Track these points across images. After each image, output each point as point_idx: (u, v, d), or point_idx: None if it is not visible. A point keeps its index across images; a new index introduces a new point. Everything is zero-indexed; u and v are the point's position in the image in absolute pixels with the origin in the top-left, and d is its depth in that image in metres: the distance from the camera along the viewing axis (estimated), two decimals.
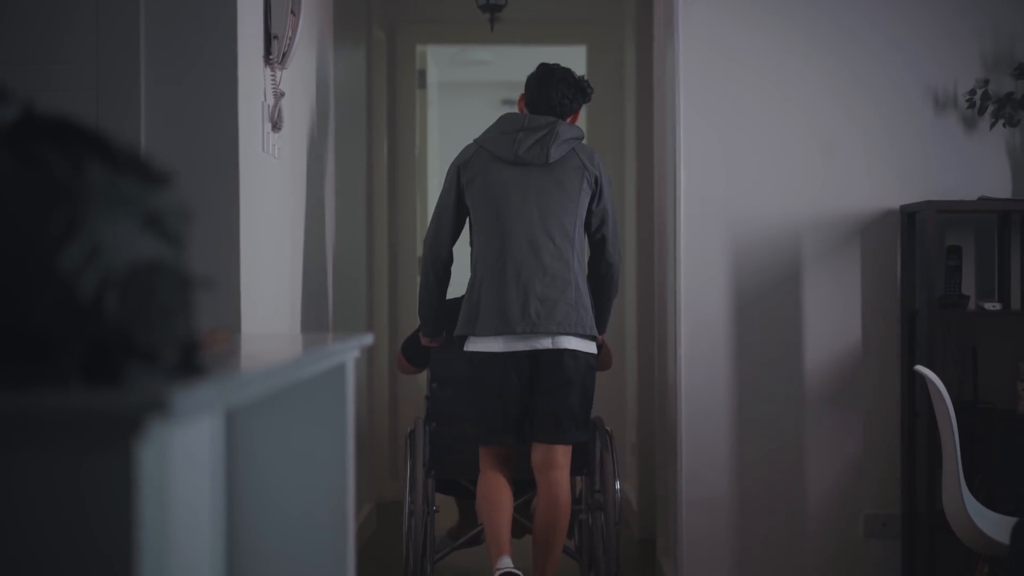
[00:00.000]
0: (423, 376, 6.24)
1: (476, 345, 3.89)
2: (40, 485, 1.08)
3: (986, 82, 4.13)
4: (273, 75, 3.46)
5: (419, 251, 6.48)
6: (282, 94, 3.51)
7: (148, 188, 1.20)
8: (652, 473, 5.27)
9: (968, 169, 4.17)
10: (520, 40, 6.79)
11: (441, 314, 4.14)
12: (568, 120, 4.03)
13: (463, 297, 4.08)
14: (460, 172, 3.96)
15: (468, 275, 4.02)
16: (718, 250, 4.21)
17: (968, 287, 4.15)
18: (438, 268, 4.05)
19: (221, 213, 3.03)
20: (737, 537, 4.22)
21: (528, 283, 3.83)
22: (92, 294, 1.12)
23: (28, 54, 3.02)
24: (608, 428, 4.18)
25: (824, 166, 4.21)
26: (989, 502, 3.94)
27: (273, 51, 3.42)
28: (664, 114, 4.54)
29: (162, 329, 1.19)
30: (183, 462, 1.21)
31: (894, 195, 4.19)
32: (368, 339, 2.23)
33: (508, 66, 8.83)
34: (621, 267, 4.08)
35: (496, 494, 3.90)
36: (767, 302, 4.21)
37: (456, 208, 3.98)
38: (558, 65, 4.08)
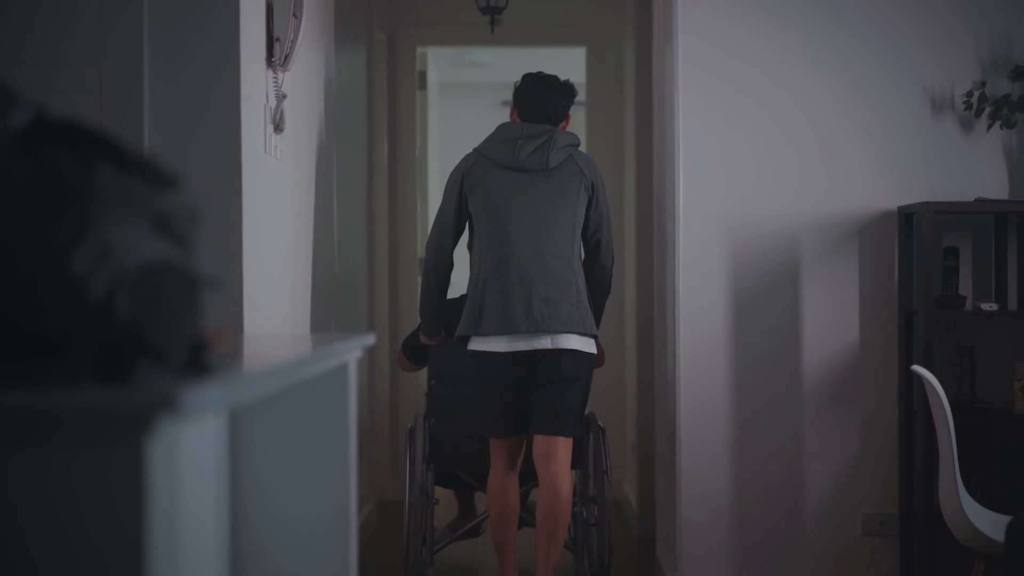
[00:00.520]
0: (423, 375, 6.31)
1: (480, 344, 4.00)
2: (53, 481, 1.11)
3: (983, 84, 4.15)
4: (275, 77, 3.49)
5: (419, 251, 6.52)
6: (284, 96, 3.53)
7: (157, 191, 1.23)
8: (651, 472, 5.30)
9: (965, 170, 4.20)
10: (520, 42, 6.83)
11: (441, 315, 4.26)
12: (562, 124, 4.16)
13: (461, 298, 4.22)
14: (463, 180, 4.08)
15: (466, 276, 4.12)
16: (717, 250, 4.24)
17: (965, 287, 4.18)
18: (440, 272, 4.17)
19: (224, 214, 3.05)
20: (736, 536, 4.24)
21: (532, 284, 3.94)
22: (103, 295, 1.14)
23: (33, 56, 3.05)
24: (601, 424, 4.30)
25: (822, 167, 4.23)
26: (986, 501, 3.96)
27: (275, 53, 3.45)
28: (663, 115, 4.57)
29: (171, 329, 1.21)
30: (190, 460, 1.24)
31: (892, 196, 4.22)
32: (370, 339, 2.25)
33: (508, 67, 8.85)
34: (613, 270, 4.21)
35: (503, 504, 4.05)
36: (765, 302, 4.24)
37: (457, 215, 4.10)
38: (543, 73, 4.24)
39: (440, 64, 8.65)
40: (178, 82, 3.04)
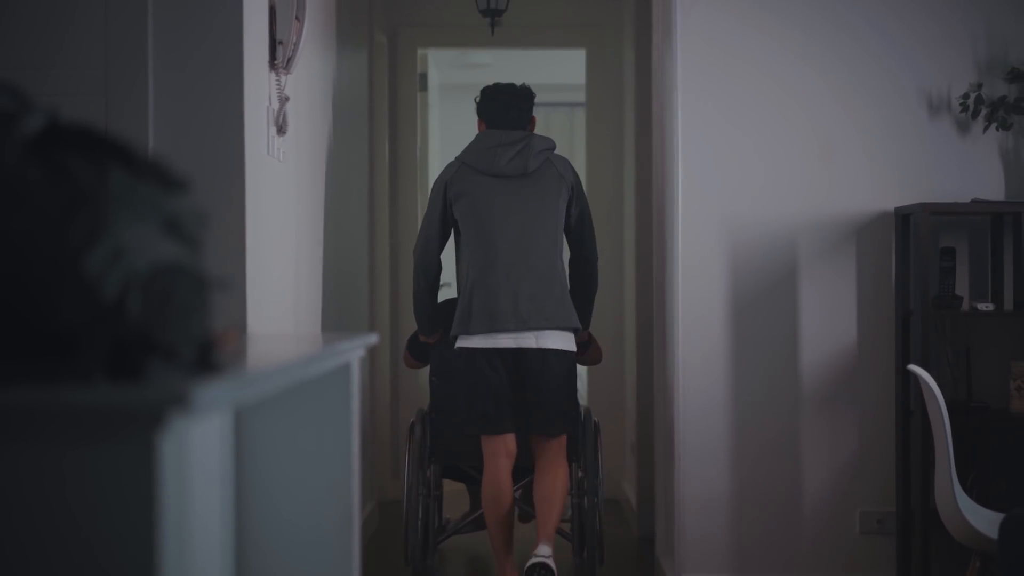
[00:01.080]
0: (423, 374, 6.42)
1: (468, 342, 4.22)
2: (66, 476, 1.13)
3: (979, 86, 4.18)
4: (278, 80, 3.52)
5: (414, 259, 6.52)
6: (287, 98, 3.56)
7: (167, 193, 1.26)
8: (651, 472, 5.32)
9: (962, 172, 4.23)
10: (520, 44, 6.85)
11: (434, 315, 4.51)
12: (529, 127, 4.38)
13: (455, 299, 4.44)
14: (446, 188, 4.31)
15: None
16: (716, 251, 4.27)
17: (962, 288, 4.21)
18: (428, 275, 4.43)
19: (227, 216, 3.08)
20: (734, 534, 4.27)
21: (518, 284, 4.17)
22: (115, 295, 1.17)
23: (38, 59, 3.08)
24: (595, 419, 4.54)
25: (821, 168, 4.26)
26: (983, 500, 3.99)
27: (278, 56, 3.48)
28: (663, 116, 4.59)
29: (180, 328, 1.25)
30: (198, 456, 1.27)
31: (889, 197, 4.25)
32: (373, 338, 2.28)
33: (508, 69, 8.88)
34: (598, 265, 4.43)
35: (497, 503, 4.24)
36: (764, 303, 4.27)
37: (442, 221, 4.34)
38: (500, 84, 4.44)
39: (441, 65, 8.68)
40: (182, 84, 3.08)
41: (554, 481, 4.25)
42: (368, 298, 5.67)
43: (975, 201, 4.10)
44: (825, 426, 4.25)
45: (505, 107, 4.34)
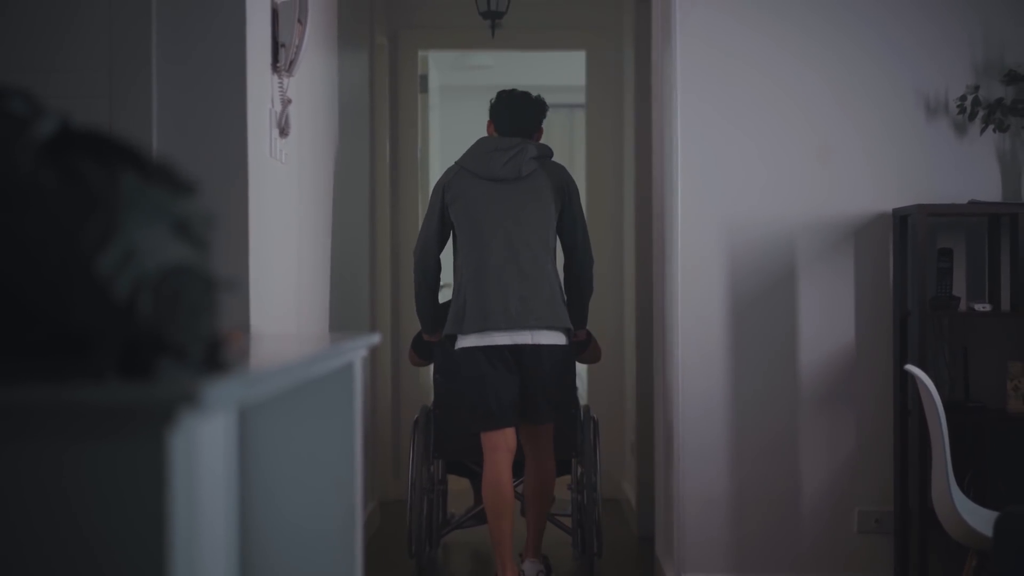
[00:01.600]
0: (423, 374, 6.48)
1: (465, 342, 4.38)
2: (79, 473, 1.16)
3: (977, 88, 4.21)
4: (280, 82, 3.55)
5: (414, 260, 6.57)
6: (289, 101, 3.59)
7: (176, 196, 1.29)
8: (650, 471, 5.35)
9: (959, 173, 4.25)
10: (520, 46, 6.88)
11: (435, 314, 4.66)
12: (535, 136, 4.57)
13: None
14: (444, 191, 4.47)
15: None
16: (715, 252, 4.30)
17: (959, 289, 4.24)
18: (427, 276, 4.58)
19: (231, 217, 3.11)
20: (734, 534, 4.30)
21: (508, 285, 4.32)
22: (126, 295, 1.20)
23: (43, 62, 3.11)
24: (594, 416, 4.80)
25: (819, 169, 4.29)
26: (980, 499, 4.02)
27: (280, 59, 3.51)
28: (662, 117, 4.62)
29: (189, 328, 1.27)
30: (205, 454, 1.29)
31: (887, 198, 4.28)
32: (375, 338, 2.31)
33: (509, 70, 8.91)
34: (593, 266, 4.58)
35: (497, 496, 4.38)
36: (763, 303, 4.30)
37: (440, 222, 4.49)
38: (516, 90, 4.61)
39: (441, 67, 8.71)
40: (186, 87, 3.10)
41: (541, 480, 4.44)
42: (369, 298, 5.70)
43: (972, 202, 4.13)
44: (824, 426, 4.28)
45: (512, 113, 4.52)
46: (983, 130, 4.21)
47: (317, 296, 4.37)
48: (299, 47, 3.56)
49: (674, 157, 4.34)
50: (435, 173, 7.70)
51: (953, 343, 4.27)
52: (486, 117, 4.64)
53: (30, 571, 1.16)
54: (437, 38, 6.80)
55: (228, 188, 3.12)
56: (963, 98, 4.21)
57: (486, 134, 4.62)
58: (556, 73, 8.53)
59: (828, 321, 4.28)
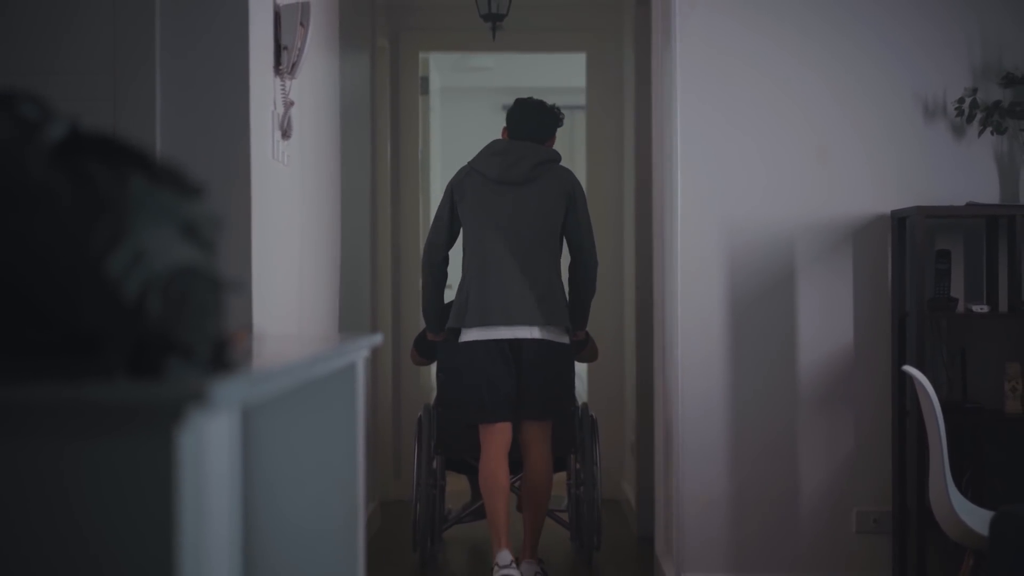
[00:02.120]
0: (424, 375, 6.50)
1: (468, 336, 4.55)
2: (88, 470, 1.18)
3: (975, 90, 4.23)
4: (283, 85, 3.57)
5: (422, 254, 6.61)
6: (291, 103, 3.62)
7: (184, 198, 1.31)
8: (650, 472, 5.37)
9: (957, 175, 4.28)
10: (521, 48, 6.91)
11: (441, 312, 4.81)
12: (546, 144, 4.73)
13: None
14: (454, 191, 4.65)
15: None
16: (714, 253, 4.32)
17: (957, 290, 4.26)
18: (434, 272, 4.73)
19: (234, 218, 3.13)
20: (733, 534, 4.32)
21: (510, 283, 4.49)
22: (136, 296, 1.23)
23: (48, 64, 3.13)
24: (592, 414, 5.00)
25: (818, 171, 4.31)
26: (978, 499, 4.04)
27: (283, 61, 3.53)
28: (662, 118, 4.64)
29: (197, 328, 1.30)
30: (212, 452, 1.32)
31: (885, 200, 4.30)
32: (377, 339, 2.33)
33: (509, 72, 8.93)
34: (596, 270, 4.72)
35: (493, 480, 4.57)
36: (762, 304, 4.32)
37: (450, 220, 4.66)
38: (533, 99, 4.79)
39: (442, 69, 8.73)
40: (189, 89, 3.13)
41: (538, 478, 4.58)
42: (370, 299, 5.72)
43: (970, 204, 4.15)
44: (823, 426, 4.30)
45: (525, 119, 4.70)
46: (981, 132, 4.24)
47: (319, 297, 4.39)
48: (301, 50, 3.58)
49: (674, 158, 4.36)
50: (436, 174, 7.73)
51: (951, 344, 4.29)
52: (486, 118, 4.77)
53: (43, 564, 1.19)
54: (438, 40, 6.83)
55: (231, 190, 3.14)
56: (961, 100, 4.24)
57: (489, 134, 4.89)
58: (556, 75, 8.55)
59: (827, 322, 4.30)
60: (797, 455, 4.30)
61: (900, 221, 4.23)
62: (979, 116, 4.21)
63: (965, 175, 4.27)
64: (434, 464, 4.95)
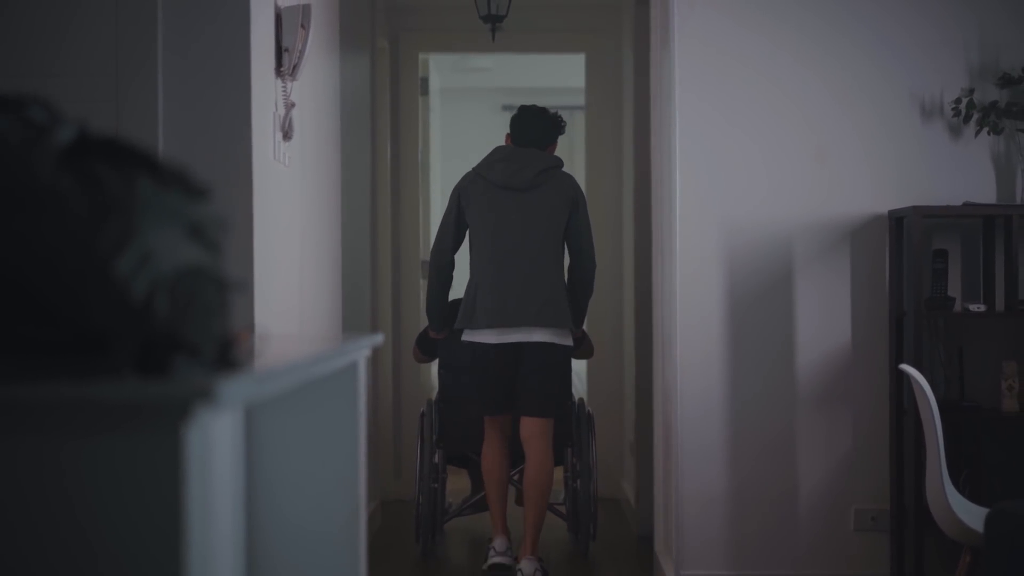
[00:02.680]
0: (424, 374, 6.53)
1: (473, 336, 4.73)
2: (97, 466, 1.20)
3: (971, 91, 4.25)
4: (284, 86, 3.59)
5: (422, 254, 6.66)
6: (292, 104, 3.64)
7: (190, 200, 1.34)
8: (649, 471, 5.39)
9: (954, 175, 4.30)
10: (520, 49, 6.93)
11: (445, 312, 5.01)
12: (548, 150, 4.88)
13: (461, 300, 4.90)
14: (460, 195, 4.82)
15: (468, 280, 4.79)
16: (713, 253, 4.34)
17: (954, 289, 4.28)
18: (442, 273, 4.89)
19: (236, 219, 3.15)
20: (732, 532, 4.34)
21: (515, 286, 4.65)
22: (143, 296, 1.25)
23: (50, 66, 3.15)
24: (589, 409, 5.21)
25: (816, 171, 4.33)
26: (975, 497, 4.06)
27: (284, 63, 3.55)
28: (661, 118, 4.66)
29: (203, 327, 1.32)
30: (218, 450, 1.34)
31: (882, 200, 4.32)
32: (379, 339, 2.35)
33: (509, 72, 8.95)
34: (594, 272, 4.87)
35: (495, 469, 4.80)
36: (761, 304, 4.34)
37: (456, 224, 4.83)
38: (536, 106, 4.96)
39: (442, 69, 8.75)
40: (191, 91, 3.15)
41: (539, 474, 4.73)
42: (370, 299, 5.74)
43: (967, 204, 4.18)
44: (821, 425, 4.32)
45: (528, 126, 4.86)
46: (977, 133, 4.26)
47: (319, 296, 4.42)
48: (302, 51, 3.60)
49: (673, 157, 4.38)
50: (436, 174, 7.76)
51: (948, 343, 4.31)
52: (486, 119, 4.84)
53: (53, 558, 1.21)
54: (438, 41, 6.85)
55: (233, 191, 3.16)
56: (958, 101, 4.26)
57: (492, 140, 5.10)
58: (556, 75, 8.57)
59: (825, 321, 4.32)
60: (796, 454, 4.33)
61: (897, 221, 4.26)
62: (976, 116, 4.24)
63: (962, 175, 4.30)
64: (436, 458, 5.12)
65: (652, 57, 4.93)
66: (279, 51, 3.54)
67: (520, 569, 4.65)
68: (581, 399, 5.27)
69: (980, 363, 4.29)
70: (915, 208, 4.05)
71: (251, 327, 3.15)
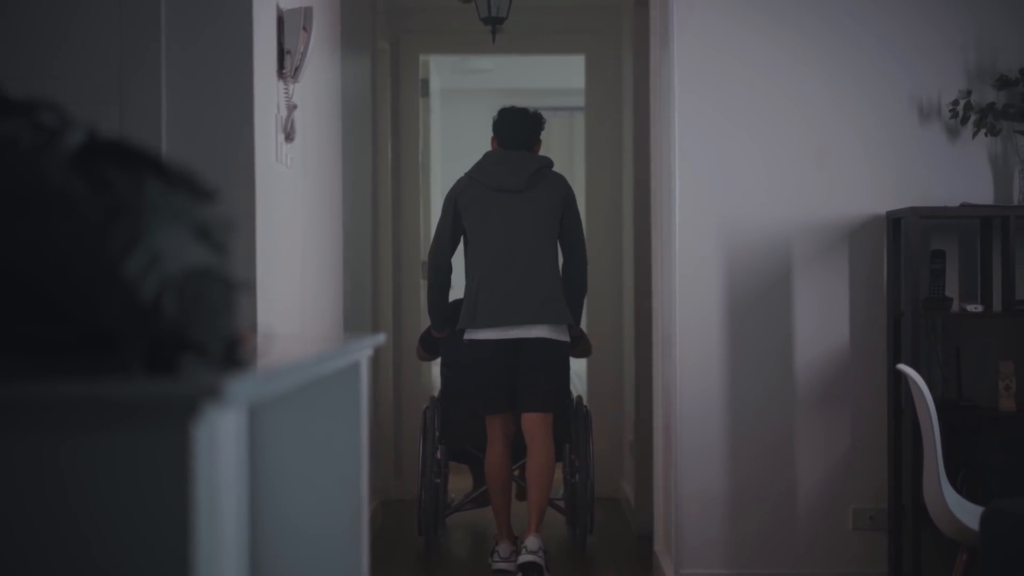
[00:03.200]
0: (424, 375, 6.56)
1: (475, 335, 4.87)
2: (106, 463, 1.23)
3: (969, 93, 4.28)
4: (286, 88, 3.62)
5: (422, 254, 6.68)
6: (294, 106, 3.66)
7: (197, 202, 1.36)
8: (649, 471, 5.41)
9: (951, 176, 4.32)
10: (520, 50, 6.95)
11: (445, 312, 5.14)
12: (534, 148, 5.02)
13: (462, 300, 5.03)
14: (456, 200, 4.95)
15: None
16: (713, 253, 4.36)
17: (951, 290, 4.30)
18: (440, 276, 5.04)
19: (238, 220, 3.18)
20: (731, 531, 4.36)
21: (514, 285, 4.79)
22: (152, 297, 1.27)
23: (54, 68, 3.17)
24: (586, 405, 5.37)
25: (815, 172, 4.35)
26: (973, 496, 4.08)
27: (286, 65, 3.58)
28: (660, 119, 4.68)
29: (210, 327, 1.35)
30: (224, 448, 1.36)
31: (880, 201, 4.34)
32: (381, 339, 2.37)
33: (509, 73, 8.97)
34: (586, 268, 5.04)
35: (499, 475, 4.92)
36: (760, 304, 4.36)
37: (453, 229, 4.98)
38: (515, 107, 5.09)
39: (442, 71, 8.77)
40: (194, 93, 3.17)
41: (541, 464, 4.86)
42: (371, 299, 5.77)
43: (964, 205, 4.20)
44: (819, 425, 4.34)
45: (512, 128, 4.99)
46: (975, 134, 4.28)
47: (321, 296, 4.44)
48: (304, 53, 3.63)
49: (672, 158, 4.40)
50: (436, 175, 7.78)
51: (946, 343, 4.33)
52: (486, 120, 4.91)
53: (64, 551, 1.23)
54: (438, 43, 6.87)
55: (235, 192, 3.18)
56: (955, 102, 4.28)
57: (489, 139, 5.10)
58: (556, 77, 8.60)
59: (824, 322, 4.34)
60: (794, 453, 4.35)
61: (895, 222, 4.28)
62: (973, 118, 4.26)
63: (960, 176, 4.32)
64: (438, 454, 5.28)
65: (652, 58, 4.95)
66: (281, 53, 3.56)
67: (525, 546, 4.79)
68: (579, 396, 5.41)
69: (977, 363, 4.31)
70: (913, 209, 4.08)
71: (254, 327, 3.18)
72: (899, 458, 4.26)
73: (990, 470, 4.26)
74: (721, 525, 4.35)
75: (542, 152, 5.14)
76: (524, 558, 4.75)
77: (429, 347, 5.50)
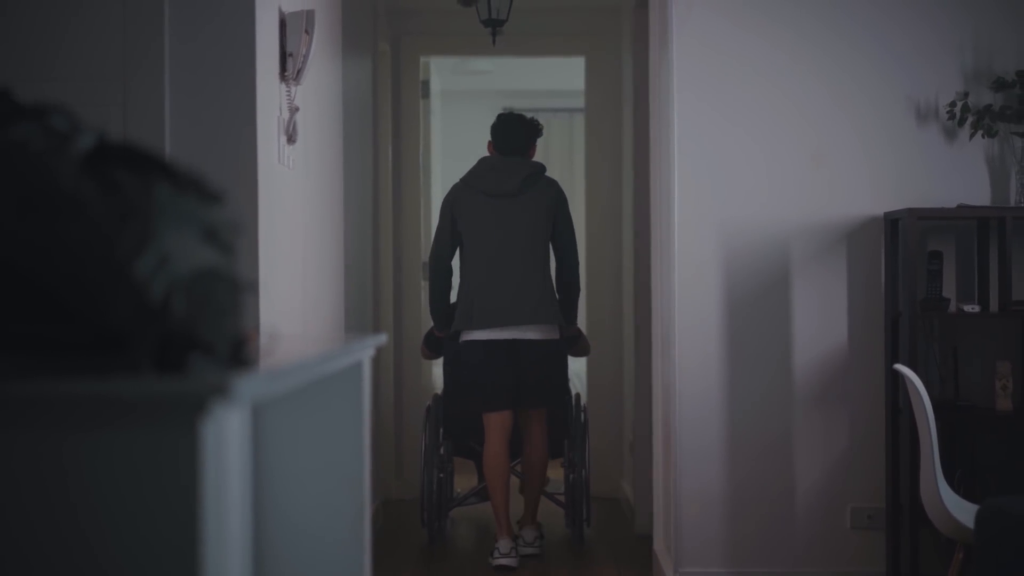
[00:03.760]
0: (425, 375, 6.60)
1: (472, 336, 5.06)
2: (115, 460, 1.25)
3: (966, 94, 4.30)
4: (288, 90, 3.64)
5: (423, 255, 6.71)
6: (296, 108, 3.69)
7: (206, 205, 1.39)
8: (648, 471, 5.43)
9: (948, 178, 4.35)
10: (521, 52, 6.97)
11: (446, 312, 5.30)
12: (529, 153, 5.20)
13: None
14: (453, 206, 5.15)
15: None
16: (712, 254, 4.38)
17: (949, 290, 4.33)
18: (441, 277, 5.23)
19: (241, 221, 3.20)
20: (730, 530, 4.39)
21: (507, 287, 4.98)
22: (161, 297, 1.30)
23: (59, 71, 3.20)
24: (583, 403, 5.51)
25: (813, 173, 4.38)
26: (970, 495, 4.11)
27: (288, 68, 3.60)
28: (660, 120, 4.70)
29: (217, 327, 1.37)
30: (231, 446, 1.39)
31: (878, 203, 4.37)
32: (382, 339, 2.40)
33: (509, 75, 8.99)
34: (579, 269, 5.22)
35: (498, 473, 5.07)
36: (759, 305, 4.38)
37: (451, 234, 5.16)
38: (513, 113, 5.30)
39: (442, 72, 8.79)
40: (197, 95, 3.19)
41: (536, 458, 5.11)
42: (372, 300, 5.80)
43: (961, 206, 4.22)
44: (818, 425, 4.37)
45: (508, 134, 5.17)
46: (972, 136, 4.31)
47: (322, 297, 4.47)
48: (306, 56, 3.65)
49: (671, 159, 4.42)
50: (436, 176, 7.80)
51: (943, 343, 4.36)
52: (486, 121, 4.98)
53: (74, 545, 1.26)
54: (439, 44, 6.90)
55: (239, 193, 3.21)
56: (953, 104, 4.31)
57: (487, 142, 5.27)
58: (556, 78, 8.62)
59: (822, 322, 4.37)
60: (793, 453, 4.37)
61: (893, 223, 4.30)
62: (970, 119, 4.29)
63: (957, 177, 4.34)
64: (441, 449, 5.42)
65: (651, 59, 4.97)
66: (283, 56, 3.59)
67: (521, 536, 5.09)
68: (577, 394, 5.53)
69: (974, 363, 4.34)
70: (910, 210, 4.10)
71: (258, 327, 3.20)
72: (897, 457, 4.28)
73: (987, 469, 4.28)
74: (720, 524, 4.38)
75: (543, 154, 5.23)
76: (524, 551, 5.07)
77: (432, 346, 5.65)
